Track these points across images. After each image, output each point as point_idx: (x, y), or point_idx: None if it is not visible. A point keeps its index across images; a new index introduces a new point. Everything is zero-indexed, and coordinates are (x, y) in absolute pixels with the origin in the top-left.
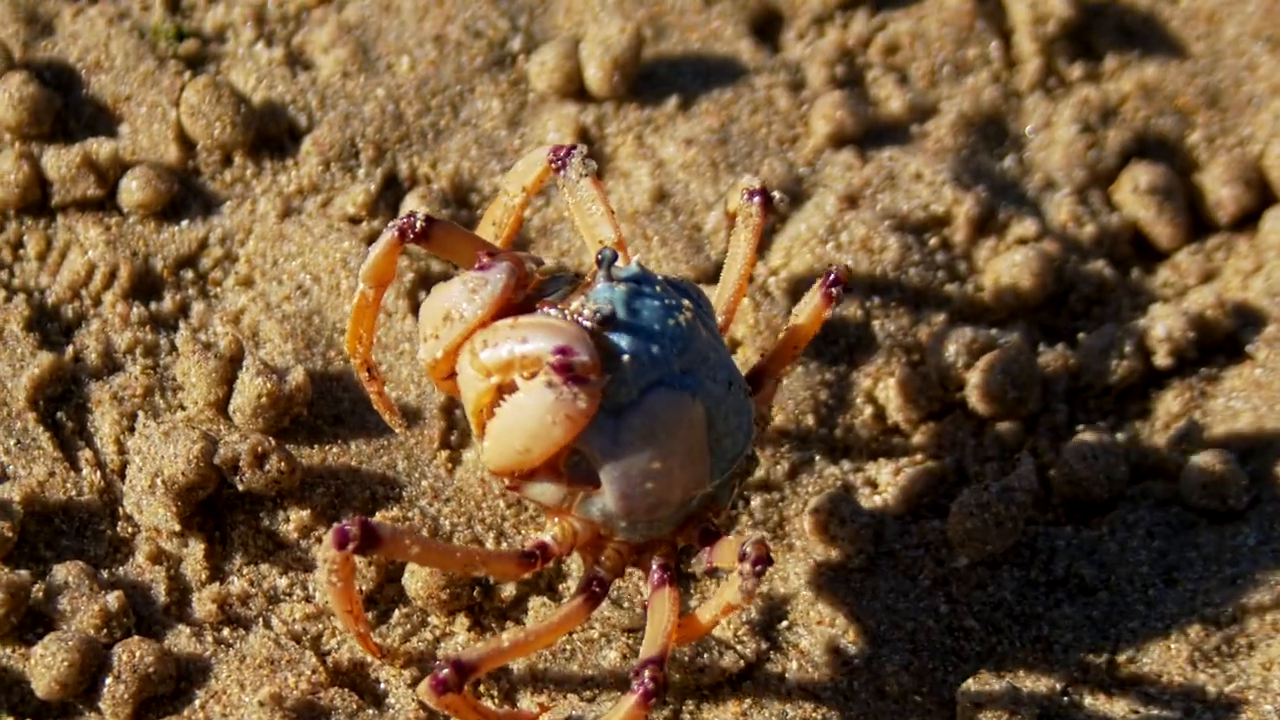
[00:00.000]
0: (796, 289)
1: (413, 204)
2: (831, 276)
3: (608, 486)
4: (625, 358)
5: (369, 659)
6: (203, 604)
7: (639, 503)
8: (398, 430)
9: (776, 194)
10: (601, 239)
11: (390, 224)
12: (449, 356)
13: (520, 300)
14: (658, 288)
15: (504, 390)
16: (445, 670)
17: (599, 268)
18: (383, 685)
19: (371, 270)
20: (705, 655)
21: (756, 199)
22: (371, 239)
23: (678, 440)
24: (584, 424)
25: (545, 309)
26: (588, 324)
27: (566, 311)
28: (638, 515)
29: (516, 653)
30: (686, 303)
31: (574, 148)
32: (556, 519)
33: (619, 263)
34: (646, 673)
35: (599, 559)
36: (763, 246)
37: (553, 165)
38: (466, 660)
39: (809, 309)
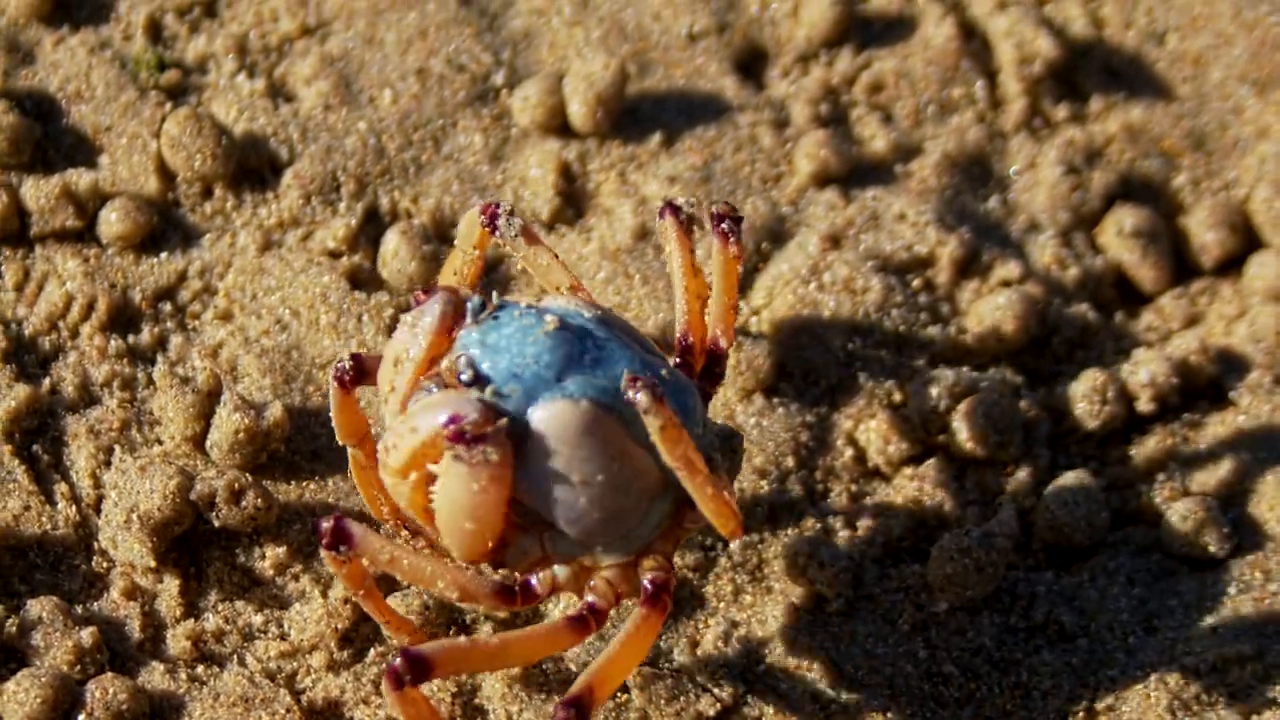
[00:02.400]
0: (779, 329)
1: (393, 239)
2: (717, 214)
3: (556, 518)
4: (489, 389)
5: (343, 697)
6: (177, 641)
7: (592, 522)
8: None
9: (683, 202)
10: (558, 285)
11: (330, 379)
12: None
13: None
14: (516, 314)
15: (430, 482)
16: (397, 660)
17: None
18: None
19: (341, 429)
20: (682, 697)
21: (667, 214)
22: (352, 274)
23: (585, 447)
24: (507, 472)
25: (425, 383)
26: (463, 377)
27: (440, 375)
28: (601, 535)
29: (482, 659)
30: (551, 316)
31: (498, 205)
32: (541, 570)
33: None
34: (559, 713)
35: (589, 590)
36: (744, 286)
37: (484, 225)
38: (418, 653)
39: (716, 259)
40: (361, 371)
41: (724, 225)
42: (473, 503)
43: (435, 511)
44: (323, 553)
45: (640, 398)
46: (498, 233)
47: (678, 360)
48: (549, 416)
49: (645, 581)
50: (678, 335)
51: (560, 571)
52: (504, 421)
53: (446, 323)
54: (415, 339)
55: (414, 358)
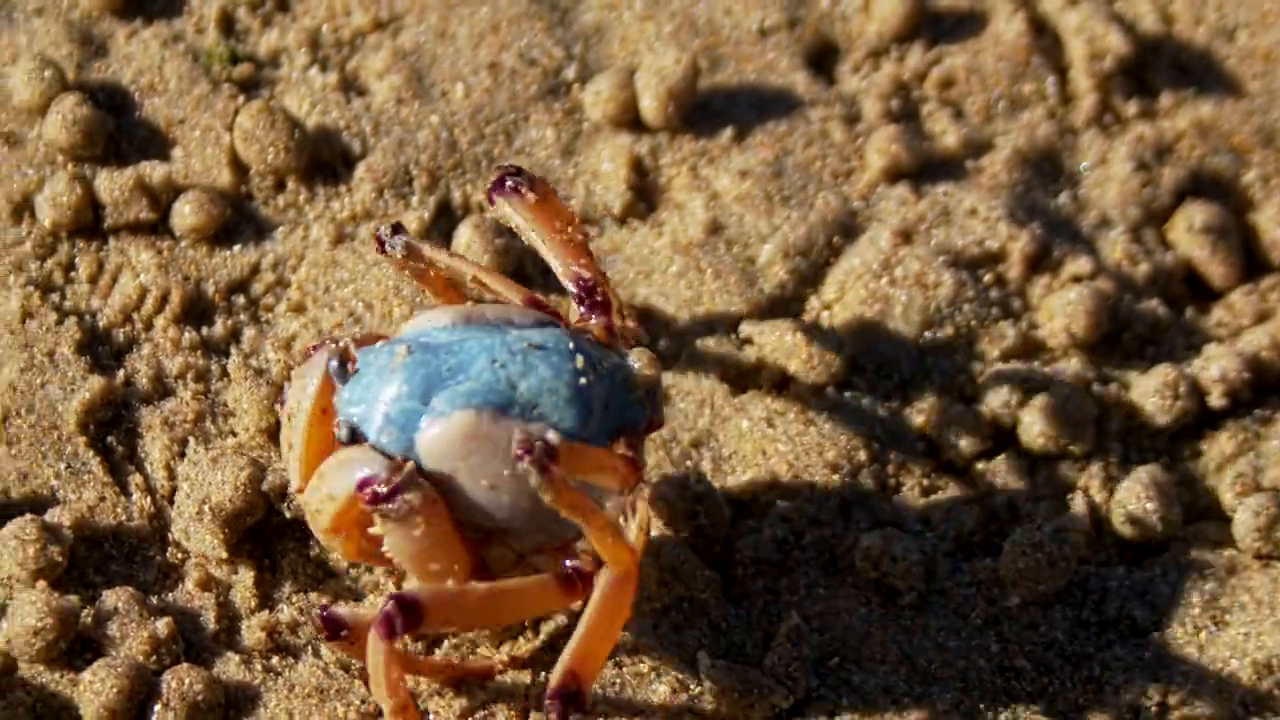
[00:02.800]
0: (851, 323)
1: (466, 232)
2: (500, 178)
3: (498, 524)
4: (382, 439)
5: (416, 689)
6: (252, 632)
7: (527, 512)
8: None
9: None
10: (464, 282)
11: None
12: (309, 467)
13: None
14: (371, 358)
15: (362, 530)
16: (389, 605)
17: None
18: (431, 717)
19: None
20: (755, 691)
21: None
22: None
23: (477, 452)
24: (439, 506)
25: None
26: (341, 437)
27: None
28: (547, 516)
29: (473, 607)
30: (399, 348)
31: (380, 231)
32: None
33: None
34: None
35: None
36: (816, 280)
37: (379, 252)
38: (411, 596)
39: (527, 214)
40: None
41: (509, 183)
42: (423, 545)
43: (401, 564)
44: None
45: (531, 474)
46: (388, 253)
47: (578, 302)
48: (430, 442)
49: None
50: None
51: (539, 560)
52: (410, 464)
53: (329, 378)
54: (303, 392)
55: (304, 409)
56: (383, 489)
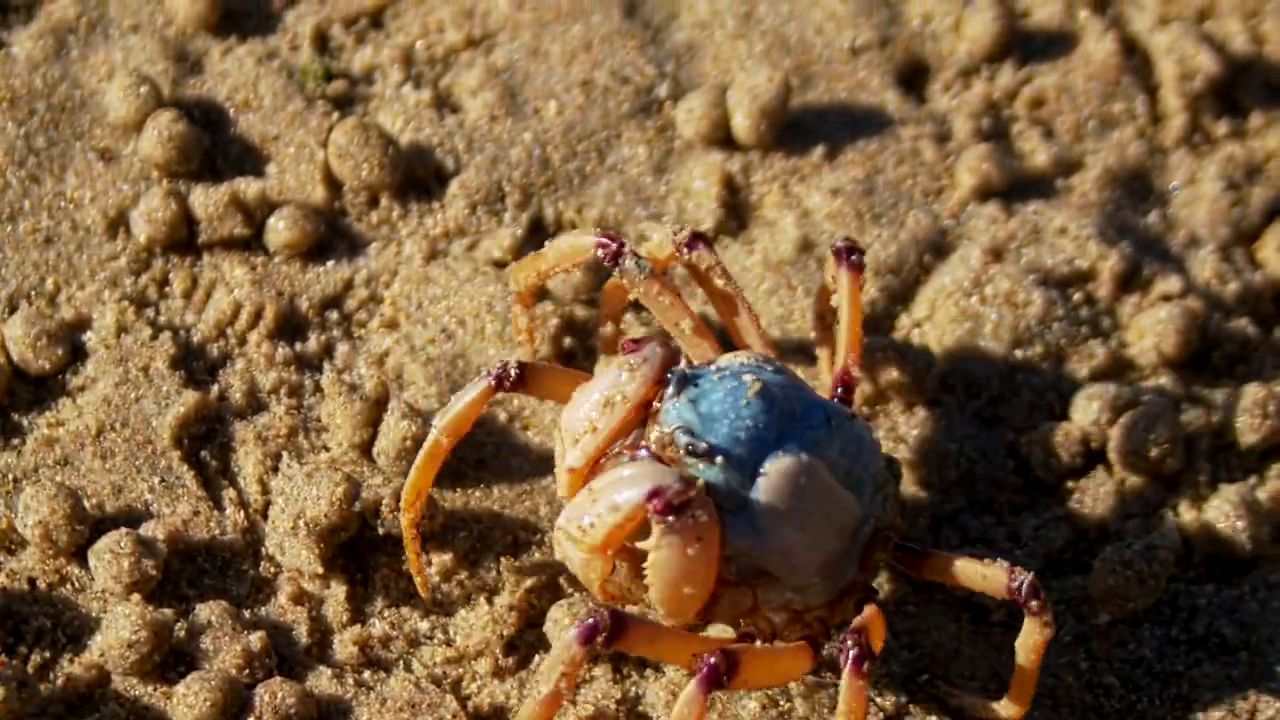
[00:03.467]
0: (941, 341)
1: None
2: (844, 248)
3: (779, 571)
4: (719, 459)
5: (508, 703)
6: (344, 646)
7: (811, 567)
8: (422, 594)
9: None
10: (678, 322)
11: (484, 372)
12: (599, 452)
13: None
14: (716, 378)
15: (627, 555)
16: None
17: (669, 388)
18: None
19: (456, 419)
20: None
21: (843, 259)
22: None
23: (810, 499)
24: (716, 531)
25: (623, 454)
26: (692, 448)
27: (650, 449)
28: (816, 577)
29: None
30: (748, 376)
31: (621, 244)
32: (749, 620)
33: (684, 374)
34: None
35: (804, 628)
36: (906, 298)
37: (606, 263)
38: (727, 656)
39: (844, 290)
40: (523, 380)
41: (852, 258)
42: (689, 567)
43: (650, 585)
44: (575, 649)
45: (1041, 612)
46: (621, 272)
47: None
48: (777, 474)
49: (848, 643)
50: (835, 373)
51: (775, 617)
52: (702, 483)
53: (661, 373)
54: (633, 382)
55: (630, 397)
56: (676, 499)
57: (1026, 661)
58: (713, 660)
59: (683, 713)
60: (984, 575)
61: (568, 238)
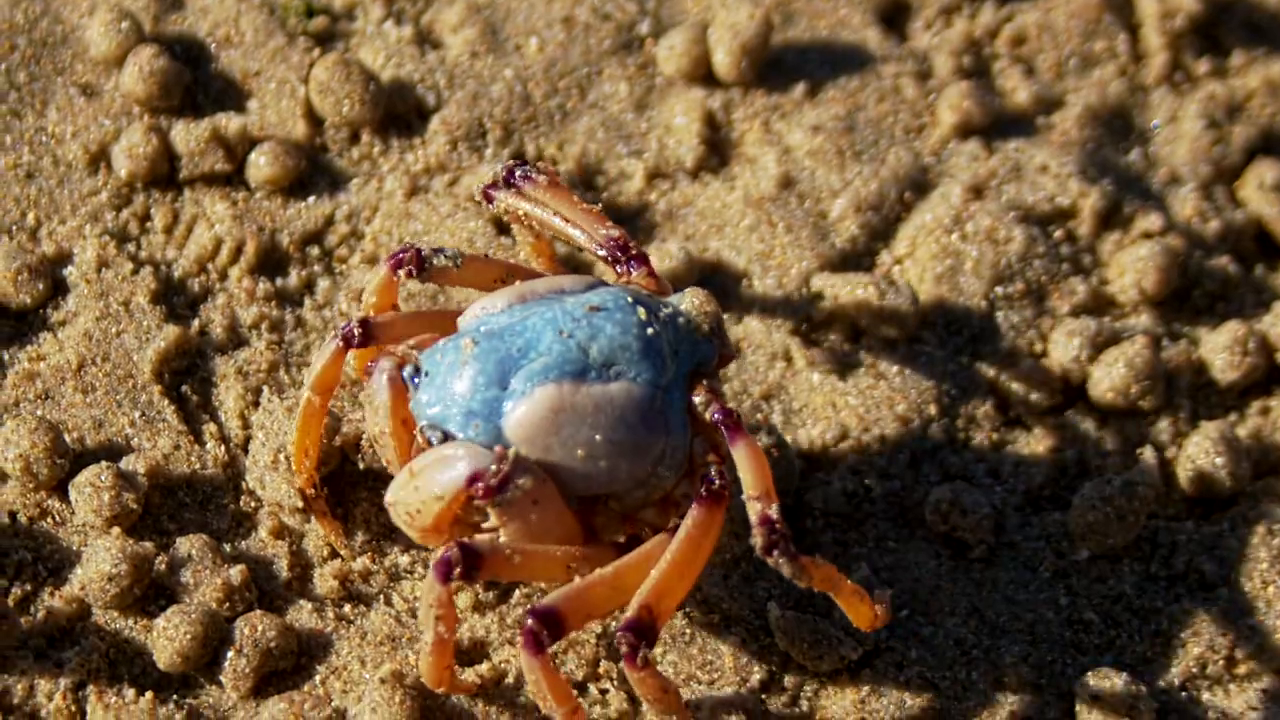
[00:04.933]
0: (922, 278)
1: None
2: (508, 170)
3: (601, 490)
4: (469, 432)
5: (488, 637)
6: (324, 580)
7: (626, 469)
8: (343, 554)
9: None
10: (496, 278)
11: (333, 333)
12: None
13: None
14: (439, 357)
15: (464, 522)
16: (529, 621)
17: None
18: (503, 664)
19: (319, 379)
20: (825, 642)
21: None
22: (498, 219)
23: (567, 423)
24: (549, 483)
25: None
26: (434, 441)
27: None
28: (644, 468)
29: (607, 594)
30: (464, 341)
31: (416, 252)
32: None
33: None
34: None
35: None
36: (888, 235)
37: (406, 276)
38: (548, 607)
39: (539, 200)
40: (369, 337)
41: (519, 173)
42: (543, 526)
43: (517, 561)
44: (437, 588)
45: (784, 566)
46: (425, 273)
47: (614, 263)
48: (517, 423)
49: (702, 476)
50: (601, 245)
51: (647, 514)
52: (513, 450)
53: (398, 388)
54: (380, 415)
55: (387, 431)
56: (494, 480)
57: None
58: (529, 626)
59: (533, 679)
60: (751, 501)
61: (370, 279)
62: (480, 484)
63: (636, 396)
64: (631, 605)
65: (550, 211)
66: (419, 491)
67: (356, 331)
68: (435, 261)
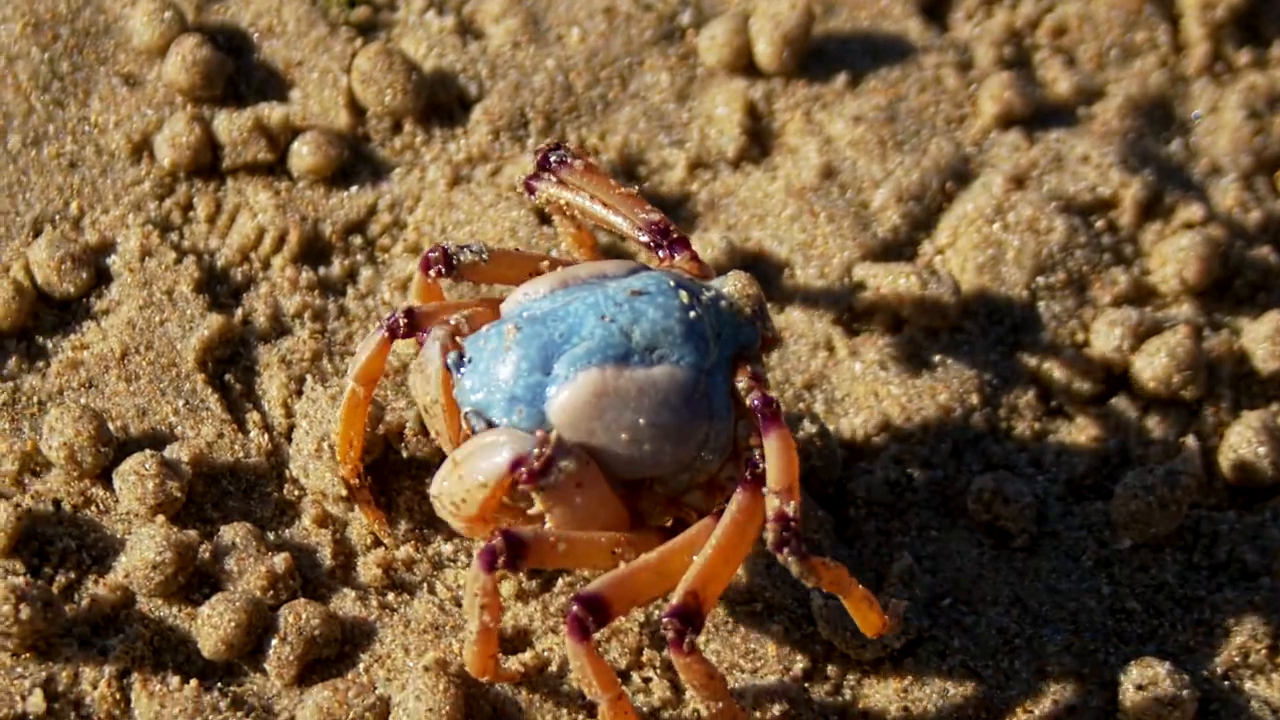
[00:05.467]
0: (963, 267)
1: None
2: (546, 152)
3: (645, 473)
4: (512, 419)
5: (531, 625)
6: (368, 568)
7: (670, 454)
8: (386, 543)
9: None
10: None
11: (378, 324)
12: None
13: None
14: (481, 343)
15: (508, 510)
16: (574, 608)
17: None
18: (547, 653)
19: (363, 369)
20: None
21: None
22: (540, 209)
23: (611, 407)
24: (593, 465)
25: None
26: (477, 429)
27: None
28: (689, 453)
29: (652, 579)
30: (506, 327)
31: (444, 251)
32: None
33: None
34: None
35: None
36: (930, 225)
37: (438, 274)
38: (592, 594)
39: (581, 184)
40: (414, 326)
41: (555, 157)
42: (588, 511)
43: (562, 548)
44: (482, 577)
45: (792, 565)
46: (454, 270)
47: (655, 248)
48: (561, 408)
49: (746, 460)
50: (642, 229)
51: (692, 498)
52: (555, 433)
53: (446, 374)
54: (430, 385)
55: (440, 402)
56: (537, 464)
57: (830, 590)
58: (574, 612)
59: (577, 665)
60: (769, 496)
61: (411, 285)
62: (524, 468)
63: (680, 380)
64: (677, 592)
65: (589, 197)
66: (463, 480)
67: (402, 321)
68: (462, 257)
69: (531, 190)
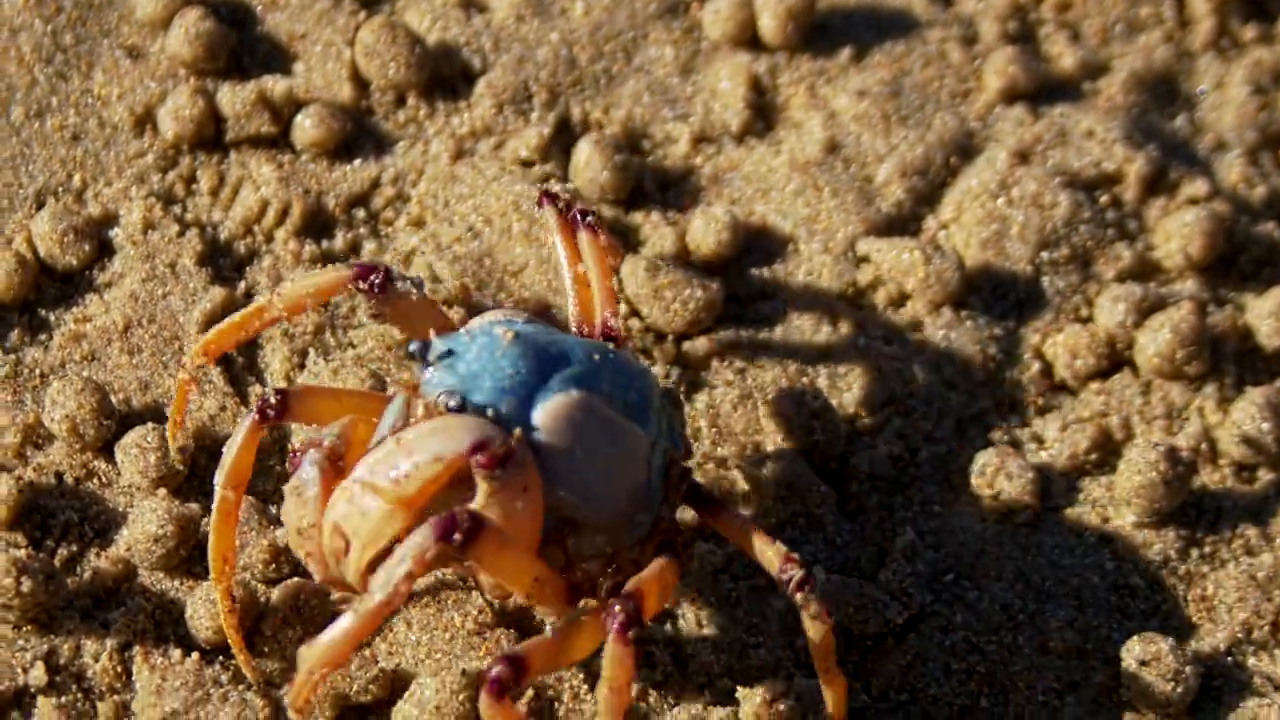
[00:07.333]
0: (967, 243)
1: (586, 149)
2: (580, 212)
3: (581, 513)
4: (489, 411)
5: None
6: None
7: (612, 502)
8: (248, 674)
9: (560, 189)
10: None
11: (248, 411)
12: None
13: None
14: (467, 338)
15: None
16: (496, 668)
17: (414, 361)
18: (547, 628)
19: (233, 469)
20: (869, 605)
21: (546, 204)
22: (543, 183)
23: (591, 432)
24: (538, 487)
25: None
26: (452, 406)
27: (420, 413)
28: (623, 513)
29: (562, 652)
30: (499, 329)
31: (384, 272)
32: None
33: (435, 344)
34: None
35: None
36: (934, 200)
37: (367, 291)
38: (515, 654)
39: (589, 251)
40: (286, 408)
41: (589, 220)
42: (518, 523)
43: (482, 560)
44: (434, 546)
45: (808, 604)
46: (386, 294)
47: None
48: (551, 414)
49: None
50: (574, 325)
51: (589, 567)
52: (520, 432)
53: (329, 480)
54: (307, 510)
55: (315, 525)
56: (501, 450)
57: (818, 655)
58: (497, 671)
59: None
60: (763, 552)
61: (326, 273)
62: (484, 454)
63: (641, 437)
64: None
65: (574, 261)
66: (412, 455)
67: (273, 401)
68: (399, 285)
69: (540, 205)
